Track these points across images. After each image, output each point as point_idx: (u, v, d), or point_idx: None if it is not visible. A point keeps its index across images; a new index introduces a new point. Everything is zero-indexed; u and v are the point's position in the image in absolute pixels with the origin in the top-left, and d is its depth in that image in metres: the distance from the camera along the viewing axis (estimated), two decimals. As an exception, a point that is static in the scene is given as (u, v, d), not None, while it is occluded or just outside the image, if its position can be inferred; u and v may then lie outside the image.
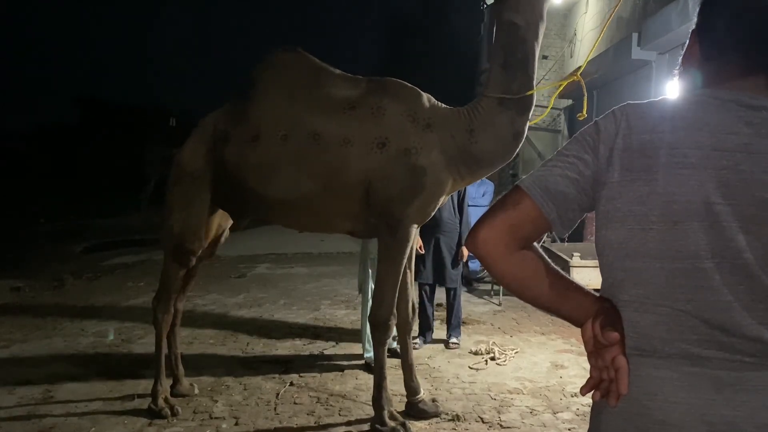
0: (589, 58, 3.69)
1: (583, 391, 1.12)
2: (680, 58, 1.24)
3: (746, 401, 1.04)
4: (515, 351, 5.21)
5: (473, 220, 8.01)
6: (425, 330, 5.51)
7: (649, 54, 7.54)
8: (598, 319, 1.08)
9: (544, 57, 11.66)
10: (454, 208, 5.46)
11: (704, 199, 1.04)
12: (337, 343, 5.47)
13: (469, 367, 4.84)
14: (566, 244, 6.89)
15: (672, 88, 6.13)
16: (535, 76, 3.28)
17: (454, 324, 5.50)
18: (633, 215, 1.09)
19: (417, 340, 5.33)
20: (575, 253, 6.48)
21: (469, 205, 7.89)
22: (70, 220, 17.92)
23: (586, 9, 10.49)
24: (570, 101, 10.25)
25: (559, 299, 1.19)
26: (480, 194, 7.84)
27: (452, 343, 5.39)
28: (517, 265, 1.19)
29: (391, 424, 3.59)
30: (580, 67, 3.54)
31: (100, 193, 23.66)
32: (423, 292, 5.53)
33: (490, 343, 5.33)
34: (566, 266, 6.44)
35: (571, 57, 11.31)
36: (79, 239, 13.60)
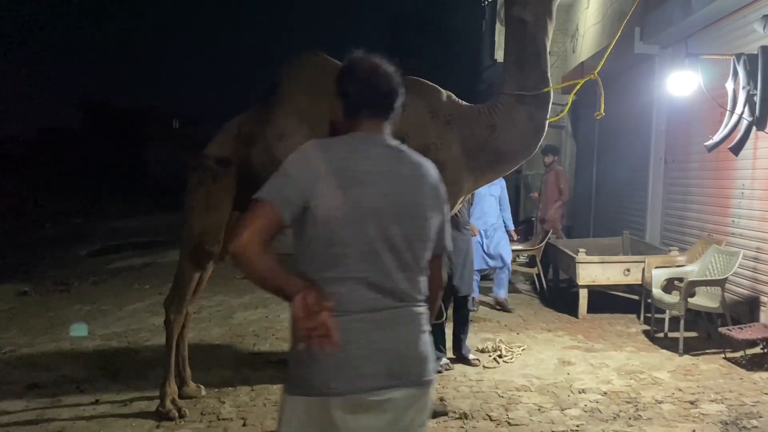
0: (606, 57, 3.72)
1: (301, 346, 1.54)
2: (333, 114, 1.79)
3: (401, 332, 1.68)
4: (522, 348, 5.21)
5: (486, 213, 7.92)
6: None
7: (652, 48, 7.48)
8: (310, 292, 1.51)
9: (547, 52, 11.56)
10: (467, 209, 4.92)
11: (373, 204, 1.64)
12: (343, 343, 5.46)
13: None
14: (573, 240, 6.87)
15: (675, 81, 6.04)
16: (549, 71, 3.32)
17: (464, 337, 4.93)
18: (333, 217, 1.61)
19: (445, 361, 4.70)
20: (581, 249, 6.46)
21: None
22: (74, 224, 17.96)
23: (587, 4, 10.42)
24: (574, 97, 10.20)
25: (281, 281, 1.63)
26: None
27: (473, 359, 4.85)
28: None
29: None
30: (598, 66, 3.58)
31: (104, 196, 23.69)
32: None
33: (497, 340, 5.32)
34: (572, 262, 6.42)
35: (574, 52, 11.25)
36: (84, 243, 13.62)
